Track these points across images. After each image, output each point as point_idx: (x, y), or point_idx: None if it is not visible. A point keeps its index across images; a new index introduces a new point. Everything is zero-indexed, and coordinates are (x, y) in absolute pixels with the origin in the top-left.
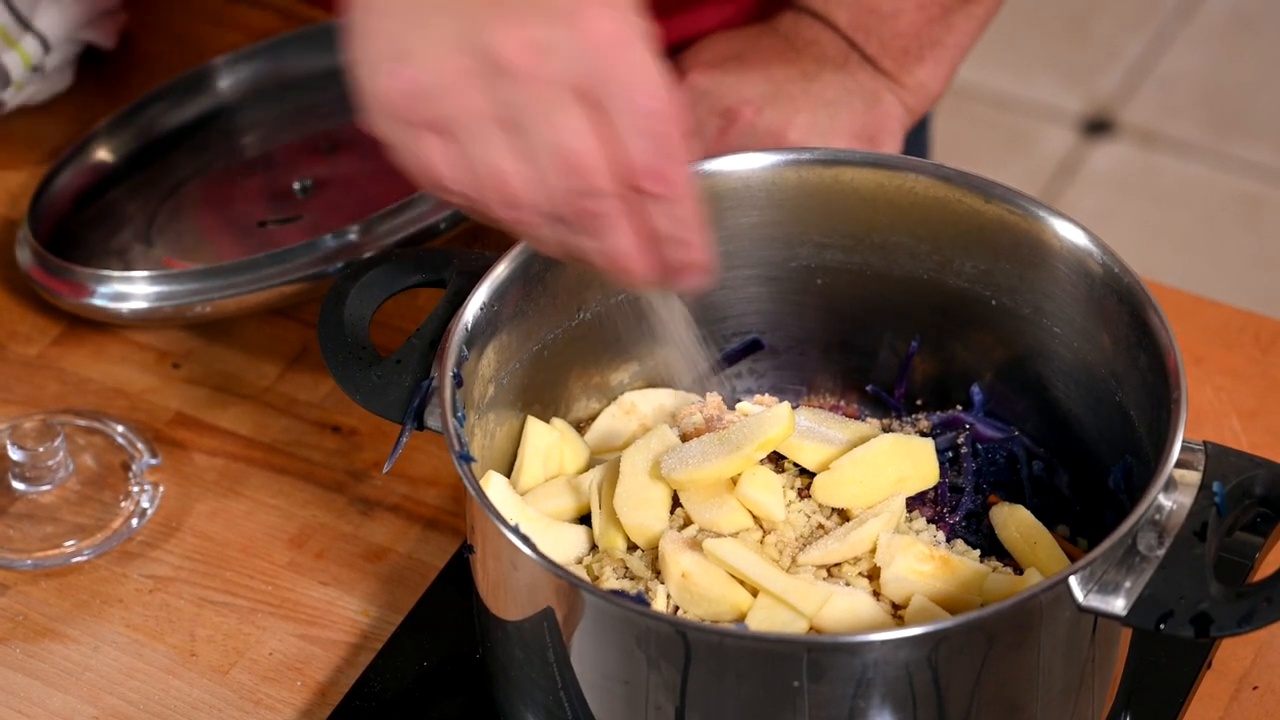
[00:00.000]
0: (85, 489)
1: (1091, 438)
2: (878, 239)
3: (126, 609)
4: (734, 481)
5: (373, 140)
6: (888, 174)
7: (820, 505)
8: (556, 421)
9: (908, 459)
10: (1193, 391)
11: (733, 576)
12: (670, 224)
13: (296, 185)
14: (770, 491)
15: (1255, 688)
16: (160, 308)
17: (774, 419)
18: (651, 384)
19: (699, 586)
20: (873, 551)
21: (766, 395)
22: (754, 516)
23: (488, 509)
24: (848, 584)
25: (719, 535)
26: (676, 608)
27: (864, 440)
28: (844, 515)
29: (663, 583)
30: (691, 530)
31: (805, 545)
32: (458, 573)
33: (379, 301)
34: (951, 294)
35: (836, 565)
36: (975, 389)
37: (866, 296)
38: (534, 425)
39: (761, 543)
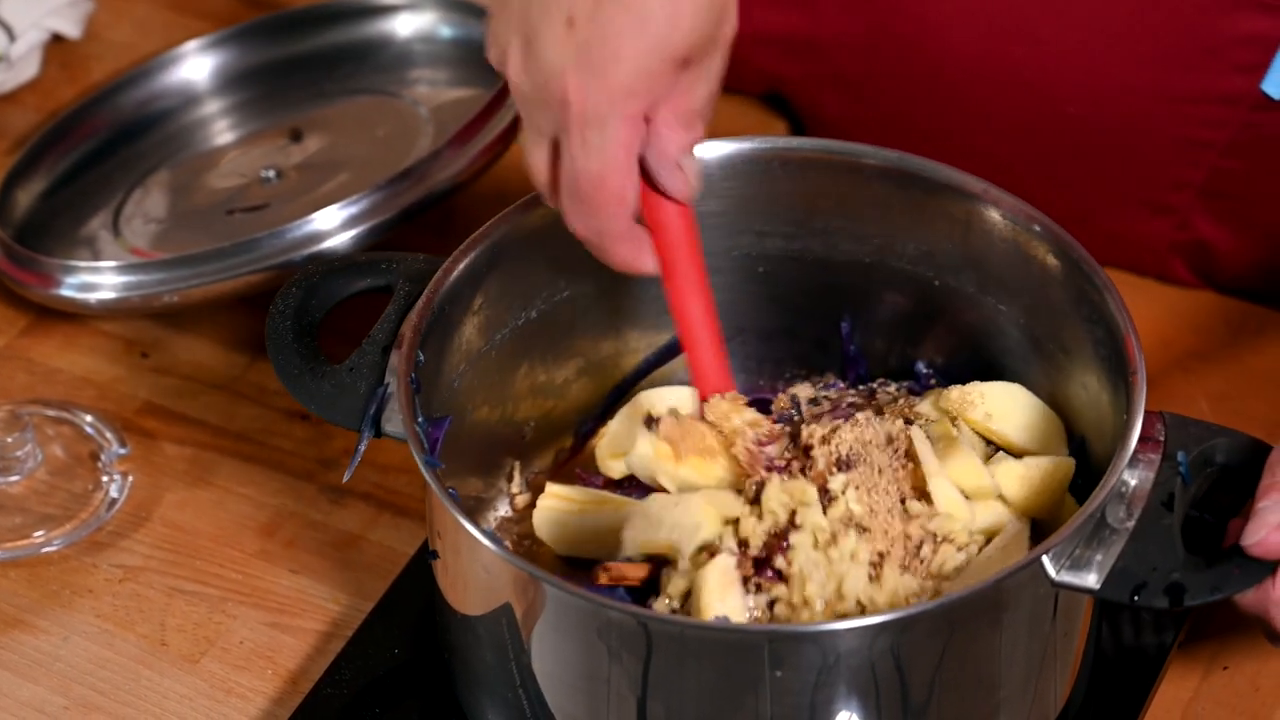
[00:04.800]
0: (54, 479)
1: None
2: (819, 224)
3: (96, 599)
4: None
5: (339, 128)
6: (828, 158)
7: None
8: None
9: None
10: (1162, 374)
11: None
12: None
13: (263, 174)
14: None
15: (1225, 668)
16: (128, 298)
17: None
18: (593, 378)
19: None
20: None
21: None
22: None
23: (451, 506)
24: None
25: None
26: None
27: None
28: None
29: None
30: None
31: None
32: (428, 560)
33: (325, 309)
34: (895, 276)
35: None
36: (920, 365)
37: (809, 283)
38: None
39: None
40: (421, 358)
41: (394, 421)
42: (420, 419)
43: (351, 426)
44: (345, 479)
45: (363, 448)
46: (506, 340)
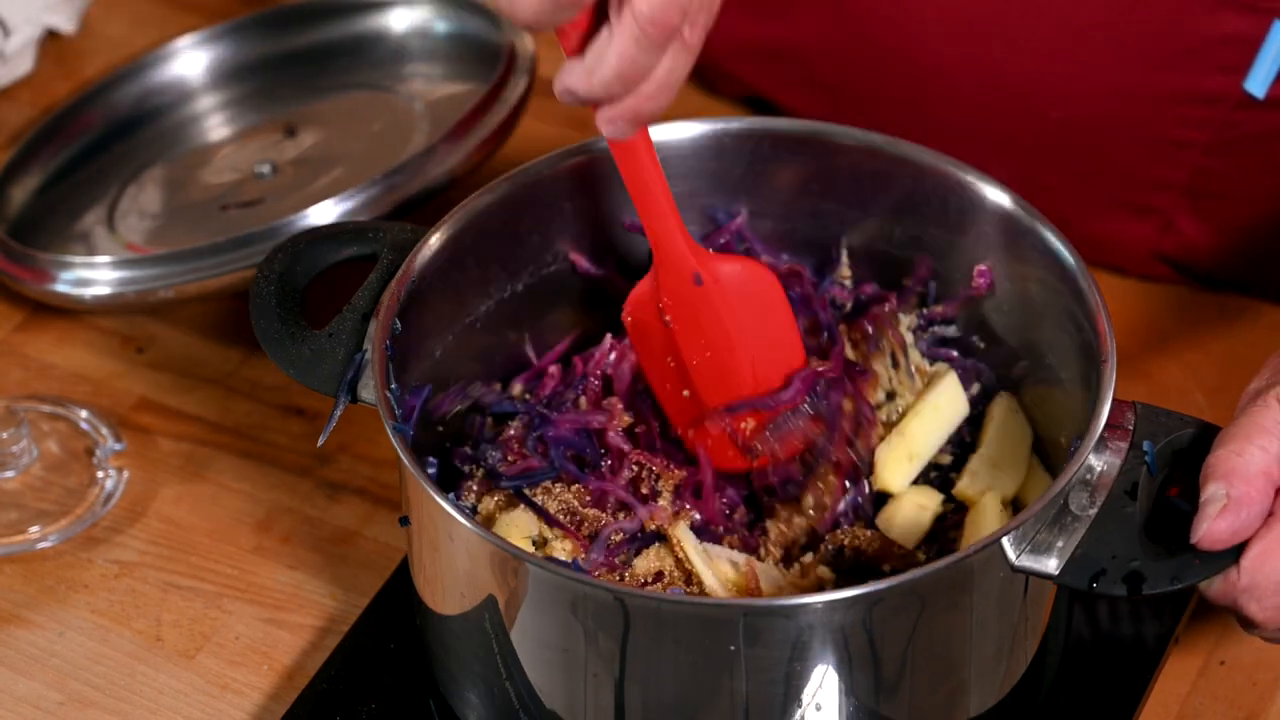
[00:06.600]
0: (49, 475)
1: (1025, 400)
2: (809, 206)
3: (92, 594)
4: None
5: (334, 123)
6: (818, 142)
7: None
8: None
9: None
10: (1158, 368)
11: None
12: None
13: (258, 169)
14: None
15: (1223, 663)
16: (123, 293)
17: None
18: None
19: None
20: None
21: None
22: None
23: (423, 480)
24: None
25: None
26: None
27: None
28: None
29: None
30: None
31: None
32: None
33: (310, 276)
34: (883, 259)
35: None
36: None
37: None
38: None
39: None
40: (399, 326)
41: (369, 388)
42: (394, 386)
43: (328, 392)
44: (319, 443)
45: (338, 413)
46: (493, 311)
